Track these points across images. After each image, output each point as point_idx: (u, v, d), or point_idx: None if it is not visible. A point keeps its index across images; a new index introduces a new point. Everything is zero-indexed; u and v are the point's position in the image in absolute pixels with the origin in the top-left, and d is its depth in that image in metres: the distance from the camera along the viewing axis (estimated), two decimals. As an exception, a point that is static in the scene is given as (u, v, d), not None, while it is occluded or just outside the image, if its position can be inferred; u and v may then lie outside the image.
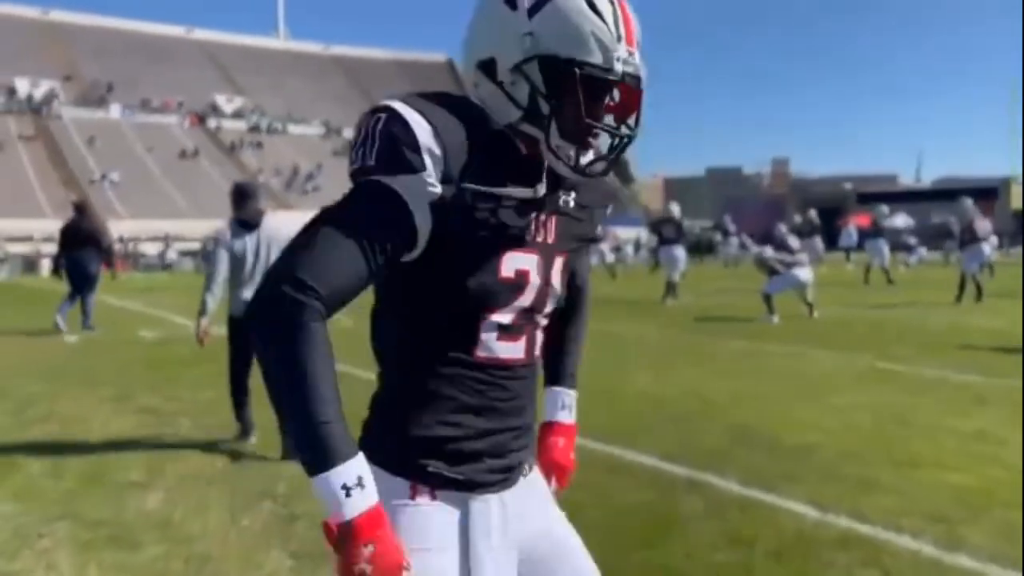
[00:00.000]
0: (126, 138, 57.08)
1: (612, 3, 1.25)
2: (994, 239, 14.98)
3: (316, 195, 56.65)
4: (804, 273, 11.50)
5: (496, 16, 1.27)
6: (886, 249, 19.52)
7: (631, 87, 1.28)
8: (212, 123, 63.15)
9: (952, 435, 5.00)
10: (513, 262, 1.27)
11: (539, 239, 1.31)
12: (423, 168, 1.18)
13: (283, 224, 4.91)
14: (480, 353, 1.29)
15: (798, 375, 7.09)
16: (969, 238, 13.96)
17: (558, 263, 1.36)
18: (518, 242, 1.28)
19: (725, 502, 3.86)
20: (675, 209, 15.33)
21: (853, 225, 47.13)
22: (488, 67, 1.28)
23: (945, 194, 50.32)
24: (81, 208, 11.59)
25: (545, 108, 1.24)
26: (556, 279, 1.36)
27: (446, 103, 1.24)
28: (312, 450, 1.12)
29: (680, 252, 14.78)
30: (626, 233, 46.86)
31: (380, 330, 1.36)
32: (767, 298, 11.25)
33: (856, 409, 5.74)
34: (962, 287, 13.69)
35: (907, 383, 6.68)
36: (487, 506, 1.32)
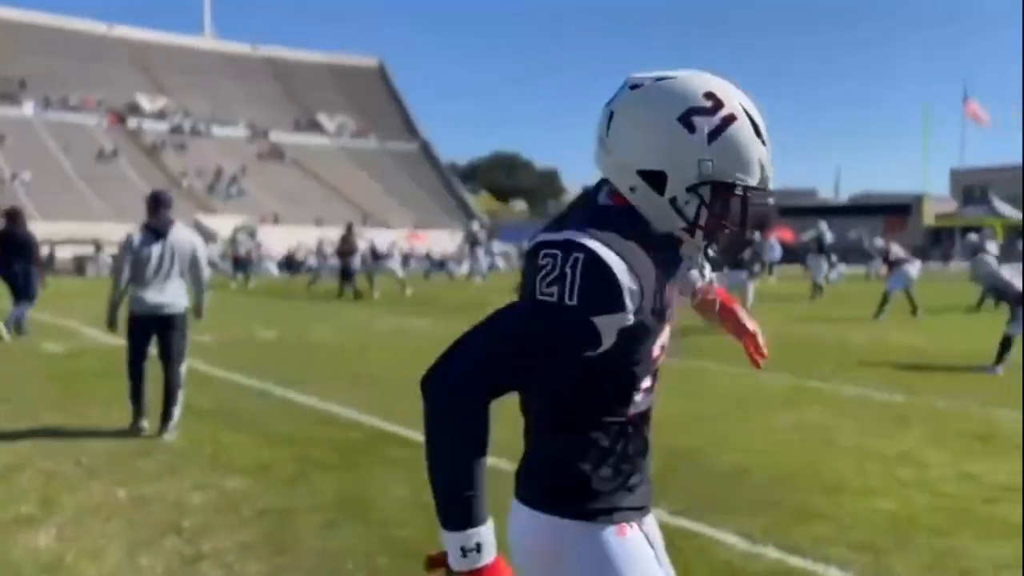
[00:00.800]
0: (39, 137, 54.75)
1: (762, 123, 1.40)
2: (918, 263, 15.47)
3: (240, 199, 55.34)
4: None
5: (671, 134, 1.35)
6: (825, 265, 20.19)
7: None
8: (132, 123, 61.16)
9: (877, 458, 5.02)
10: (661, 340, 1.47)
11: (670, 313, 1.46)
12: (624, 309, 1.30)
13: (187, 234, 5.64)
14: (631, 411, 1.48)
15: (730, 394, 7.10)
16: (895, 260, 14.45)
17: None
18: (665, 324, 1.46)
19: (655, 532, 3.76)
20: None
21: (775, 238, 48.39)
22: (655, 179, 1.37)
23: (862, 209, 52.29)
24: (13, 216, 10.98)
25: (712, 224, 1.39)
26: None
27: (627, 230, 1.34)
28: (450, 510, 1.31)
29: None
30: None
31: (544, 400, 1.48)
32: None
33: (786, 430, 5.75)
34: (882, 304, 14.08)
35: (831, 402, 6.75)
36: (653, 524, 1.58)
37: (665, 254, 1.40)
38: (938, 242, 44.14)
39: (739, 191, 1.37)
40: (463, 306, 16.96)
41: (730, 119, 1.35)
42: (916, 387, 7.24)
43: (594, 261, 1.28)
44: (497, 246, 41.27)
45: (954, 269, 32.10)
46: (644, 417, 1.52)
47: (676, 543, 3.59)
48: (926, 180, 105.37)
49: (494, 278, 26.43)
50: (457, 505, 1.30)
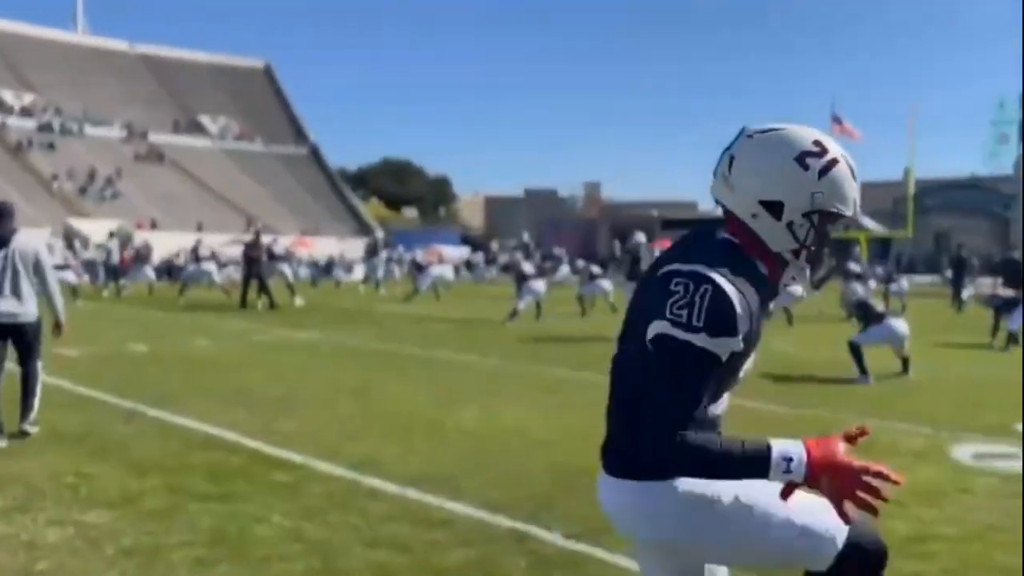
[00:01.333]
0: None
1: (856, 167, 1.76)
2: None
3: (116, 202, 52.52)
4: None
5: (789, 172, 1.70)
6: None
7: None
8: (-5, 119, 57.01)
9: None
10: (750, 360, 1.80)
11: (759, 339, 1.77)
12: (737, 333, 1.63)
13: (30, 241, 5.75)
14: (716, 411, 1.83)
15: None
16: None
17: None
18: (754, 348, 1.77)
19: (550, 558, 3.65)
20: (525, 236, 15.99)
21: (659, 250, 49.70)
22: (774, 207, 1.71)
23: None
24: None
25: (818, 243, 1.74)
26: None
27: (738, 271, 1.66)
28: (754, 469, 1.59)
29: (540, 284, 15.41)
30: (452, 252, 46.92)
31: (646, 395, 1.68)
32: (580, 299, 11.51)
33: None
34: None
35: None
36: None
37: (764, 291, 1.73)
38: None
39: (836, 218, 1.74)
40: (350, 315, 16.57)
41: (834, 162, 1.73)
42: (800, 398, 7.47)
43: (719, 293, 1.61)
44: (393, 253, 40.70)
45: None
46: (721, 416, 1.89)
47: (569, 571, 3.51)
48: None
49: (389, 286, 25.98)
50: (751, 466, 1.60)
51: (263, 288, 17.82)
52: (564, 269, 30.95)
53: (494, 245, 48.69)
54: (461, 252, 48.12)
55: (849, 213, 1.73)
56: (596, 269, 19.06)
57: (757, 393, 7.64)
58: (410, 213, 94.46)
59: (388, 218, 77.77)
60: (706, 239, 1.76)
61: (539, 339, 12.35)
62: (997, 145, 53.97)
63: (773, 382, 8.34)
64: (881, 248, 38.21)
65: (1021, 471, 5.16)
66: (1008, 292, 13.68)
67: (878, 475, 1.57)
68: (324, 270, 28.86)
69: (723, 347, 1.62)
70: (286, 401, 7.06)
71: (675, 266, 1.66)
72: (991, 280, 24.01)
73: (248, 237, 19.02)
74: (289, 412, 6.56)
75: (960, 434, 6.12)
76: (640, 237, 13.16)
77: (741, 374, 1.80)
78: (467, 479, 4.78)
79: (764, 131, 1.75)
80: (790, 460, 1.58)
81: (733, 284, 1.63)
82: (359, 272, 30.63)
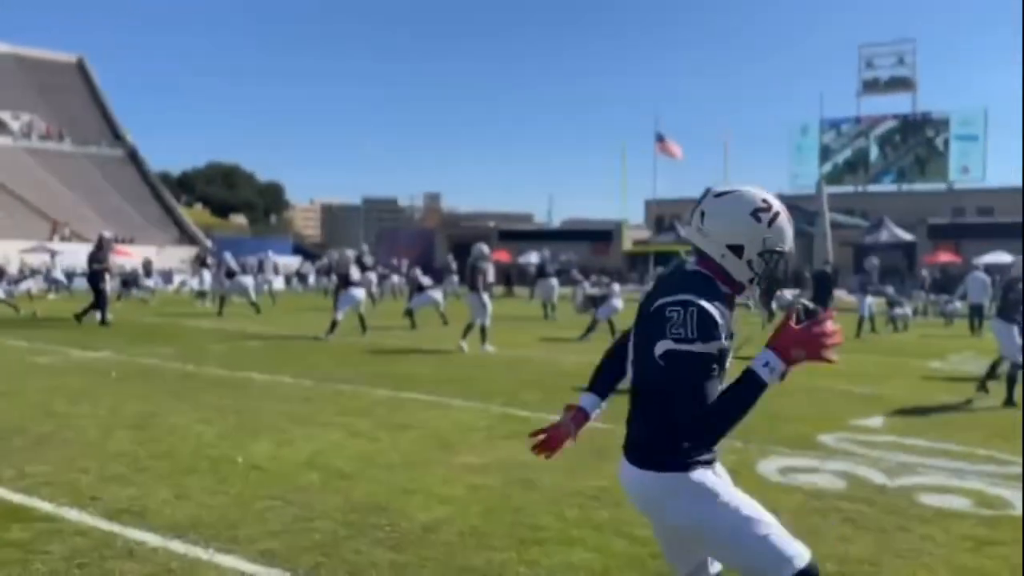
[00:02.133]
0: None
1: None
2: (616, 286, 16.82)
3: None
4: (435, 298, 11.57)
5: (747, 223, 2.23)
6: (556, 284, 21.21)
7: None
8: None
9: (576, 499, 4.85)
10: (731, 355, 2.27)
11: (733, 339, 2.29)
12: (719, 338, 2.14)
13: None
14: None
15: (432, 430, 6.69)
16: (602, 295, 16.02)
17: None
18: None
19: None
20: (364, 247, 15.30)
21: (496, 258, 50.07)
22: (736, 249, 2.23)
23: (572, 234, 55.98)
24: None
25: (766, 274, 2.27)
26: None
27: (710, 294, 2.17)
28: (759, 388, 2.07)
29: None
30: (286, 261, 44.95)
31: (669, 397, 2.15)
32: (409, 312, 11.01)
33: (486, 471, 5.43)
34: (589, 328, 15.04)
35: (536, 434, 6.59)
36: (720, 468, 2.34)
37: (729, 308, 2.22)
38: (635, 266, 48.26)
39: (780, 254, 2.24)
40: (152, 331, 15.17)
41: (777, 214, 2.24)
42: (615, 414, 7.35)
43: (703, 311, 2.10)
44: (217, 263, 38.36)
45: (648, 290, 34.98)
46: None
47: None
48: (625, 209, 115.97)
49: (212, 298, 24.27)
50: (752, 390, 2.07)
51: (97, 301, 16.10)
52: (394, 279, 30.20)
53: (335, 254, 47.09)
54: (293, 262, 46.32)
55: (788, 249, 2.26)
56: (426, 280, 18.67)
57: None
58: (238, 220, 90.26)
59: (214, 225, 73.93)
60: (683, 275, 2.27)
61: (362, 355, 11.75)
62: (799, 166, 58.41)
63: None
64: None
65: (825, 485, 5.22)
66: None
67: (824, 331, 2.06)
68: (125, 283, 25.95)
69: (714, 348, 2.12)
70: (49, 437, 6.12)
71: (666, 299, 2.17)
72: (794, 292, 25.66)
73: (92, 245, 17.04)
74: (49, 450, 5.67)
75: (767, 447, 6.16)
76: (483, 248, 12.92)
77: (727, 365, 2.22)
78: (247, 526, 4.19)
79: (725, 192, 2.30)
80: (767, 363, 2.06)
81: (711, 303, 2.14)
82: (194, 283, 28.29)
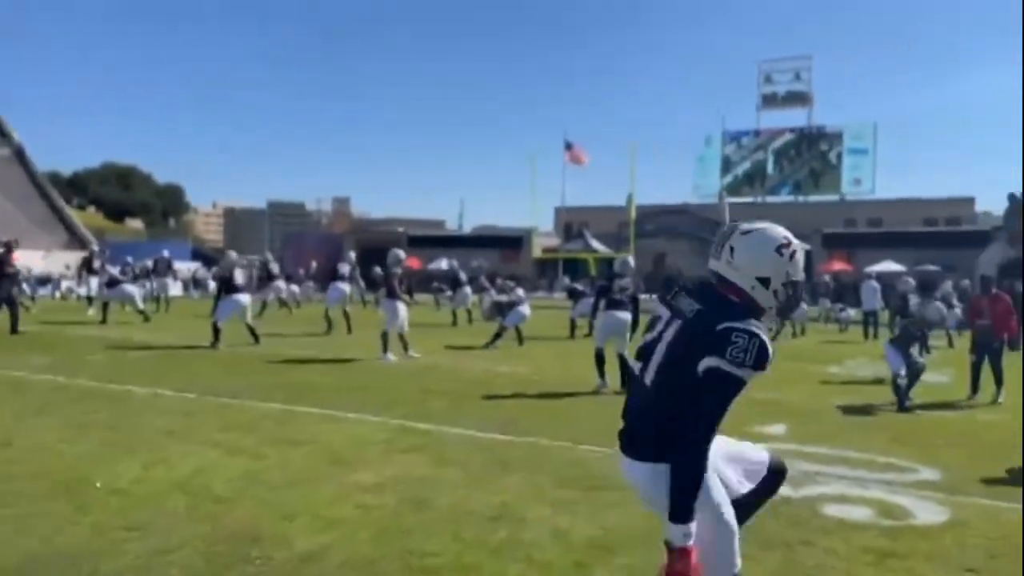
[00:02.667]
0: None
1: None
2: (521, 291, 16.87)
3: None
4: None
5: (773, 259, 2.60)
6: (470, 292, 21.17)
7: None
8: None
9: (474, 518, 4.54)
10: None
11: None
12: (765, 369, 2.48)
13: None
14: None
15: (324, 445, 6.26)
16: (510, 301, 16.42)
17: None
18: None
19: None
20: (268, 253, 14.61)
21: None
22: (764, 281, 2.59)
23: (483, 241, 55.76)
24: None
25: (791, 301, 2.65)
26: None
27: (762, 328, 2.49)
28: (688, 514, 2.42)
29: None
30: (187, 266, 43.10)
31: (677, 409, 2.50)
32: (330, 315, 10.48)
33: (380, 490, 5.06)
34: (496, 336, 14.93)
35: (435, 448, 6.25)
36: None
37: None
38: (544, 273, 48.43)
39: (798, 284, 2.66)
40: (23, 340, 14.07)
41: (795, 250, 2.64)
42: (519, 425, 7.10)
43: (763, 343, 2.44)
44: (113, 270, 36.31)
45: (557, 297, 35.08)
46: None
47: None
48: (536, 216, 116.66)
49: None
50: (689, 507, 2.44)
51: (11, 310, 14.96)
52: (279, 284, 28.89)
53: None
54: (191, 267, 44.48)
55: (802, 279, 2.64)
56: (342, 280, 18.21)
57: (489, 418, 7.18)
58: (134, 224, 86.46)
59: (108, 229, 70.45)
60: (723, 301, 2.59)
61: (254, 365, 11.13)
62: (703, 177, 59.95)
63: (503, 405, 7.99)
64: (608, 268, 40.50)
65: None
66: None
67: None
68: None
69: (749, 376, 2.45)
70: None
71: (732, 324, 2.44)
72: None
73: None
74: None
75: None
76: (399, 254, 12.66)
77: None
78: (97, 561, 3.72)
79: (752, 230, 2.62)
80: (687, 536, 2.42)
81: (767, 338, 2.46)
82: (81, 290, 26.46)
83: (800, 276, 2.60)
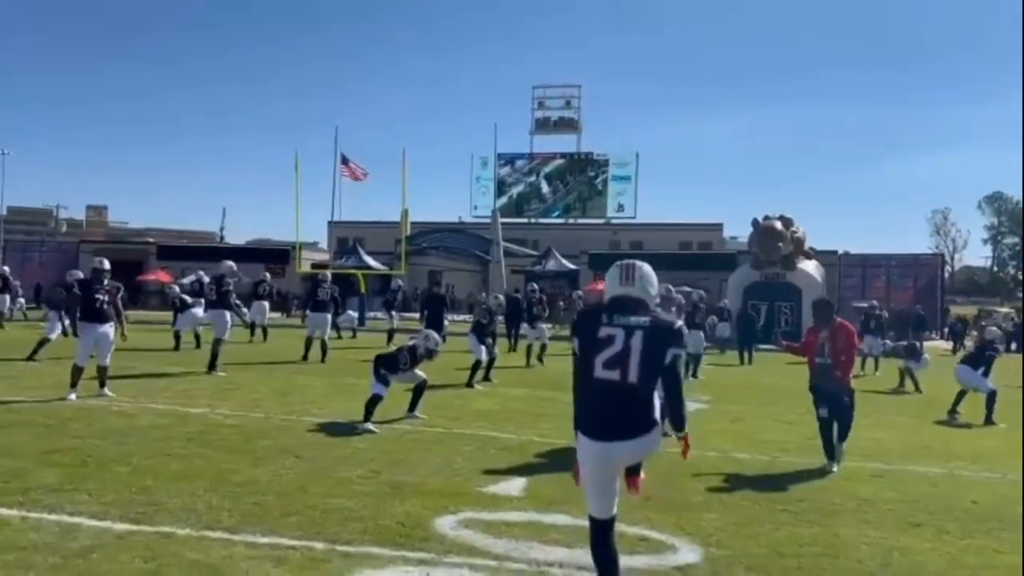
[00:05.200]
0: None
1: None
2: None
3: None
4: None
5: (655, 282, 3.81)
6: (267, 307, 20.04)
7: None
8: None
9: None
10: None
11: None
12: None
13: None
14: None
15: None
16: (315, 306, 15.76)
17: None
18: None
19: None
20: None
21: (154, 277, 44.65)
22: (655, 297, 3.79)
23: (245, 253, 52.00)
24: None
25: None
26: None
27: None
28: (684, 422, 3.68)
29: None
30: None
31: (651, 389, 3.53)
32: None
33: None
34: (307, 347, 14.99)
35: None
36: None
37: None
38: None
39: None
40: None
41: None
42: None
43: (681, 330, 3.61)
44: None
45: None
46: None
47: None
48: (308, 231, 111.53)
49: None
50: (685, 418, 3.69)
51: None
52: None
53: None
54: None
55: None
56: (188, 299, 17.43)
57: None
58: None
59: None
60: (651, 313, 3.64)
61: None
62: (480, 196, 60.07)
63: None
64: (383, 284, 39.67)
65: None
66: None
67: None
68: None
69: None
70: None
71: (677, 324, 3.65)
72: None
73: None
74: None
75: (360, 549, 4.51)
76: (231, 265, 13.45)
77: None
78: None
79: (645, 264, 3.73)
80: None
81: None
82: None
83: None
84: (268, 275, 21.86)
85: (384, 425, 8.39)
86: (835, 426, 7.48)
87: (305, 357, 14.87)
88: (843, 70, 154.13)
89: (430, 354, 8.77)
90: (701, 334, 15.85)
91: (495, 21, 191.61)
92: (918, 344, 16.39)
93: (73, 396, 9.39)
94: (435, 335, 9.03)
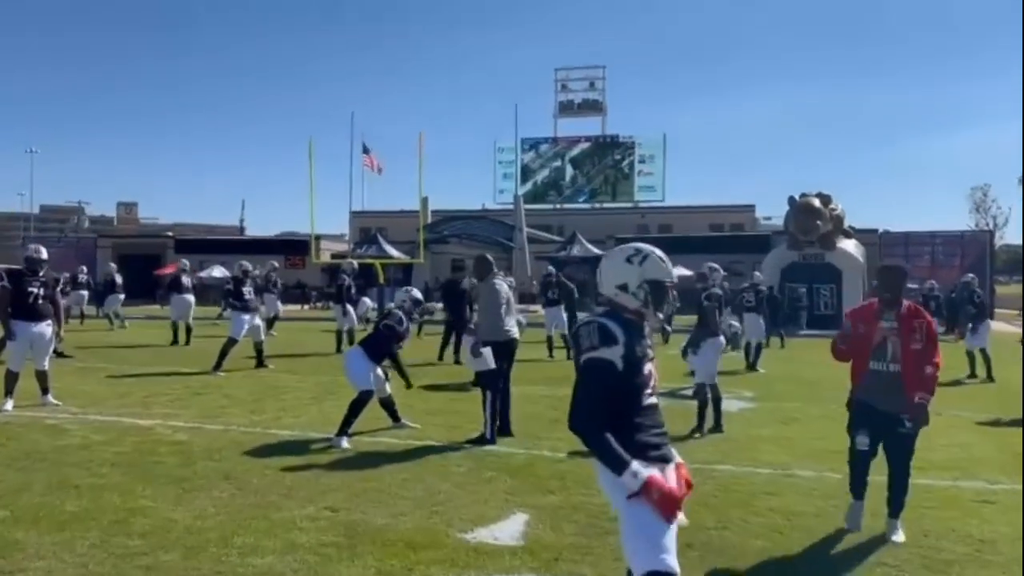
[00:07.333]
0: None
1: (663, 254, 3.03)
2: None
3: None
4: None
5: (624, 267, 2.94)
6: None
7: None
8: None
9: None
10: (647, 371, 2.90)
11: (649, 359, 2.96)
12: (617, 343, 2.84)
13: None
14: (646, 401, 2.93)
15: None
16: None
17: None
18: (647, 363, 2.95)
19: None
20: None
21: (171, 271, 43.87)
22: (623, 287, 2.91)
23: (263, 245, 51.01)
24: None
25: (650, 300, 2.90)
26: None
27: (615, 319, 2.85)
28: (619, 466, 2.63)
29: None
30: None
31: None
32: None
33: None
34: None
35: None
36: None
37: (635, 329, 2.85)
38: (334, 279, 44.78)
39: (660, 283, 2.93)
40: None
41: (647, 256, 2.95)
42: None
43: (600, 325, 2.80)
44: None
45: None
46: (656, 405, 2.93)
47: None
48: (334, 223, 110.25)
49: None
50: (617, 464, 2.66)
51: None
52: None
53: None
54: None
55: (661, 277, 2.92)
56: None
57: None
58: None
59: None
60: (604, 312, 2.95)
61: None
62: (504, 182, 58.49)
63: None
64: (404, 273, 38.65)
65: None
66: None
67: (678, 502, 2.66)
68: None
69: (614, 356, 2.75)
70: None
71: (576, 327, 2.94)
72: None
73: None
74: None
75: None
76: (247, 265, 13.27)
77: (646, 374, 2.84)
78: None
79: (610, 251, 3.13)
80: (636, 475, 2.60)
81: (610, 321, 2.82)
82: None
83: (657, 275, 2.90)
84: (275, 264, 20.84)
85: (365, 438, 6.95)
86: (889, 471, 4.87)
87: (339, 350, 14.68)
88: (878, 47, 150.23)
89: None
90: (761, 320, 14.27)
91: (512, 3, 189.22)
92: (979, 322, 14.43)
93: (9, 406, 8.06)
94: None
